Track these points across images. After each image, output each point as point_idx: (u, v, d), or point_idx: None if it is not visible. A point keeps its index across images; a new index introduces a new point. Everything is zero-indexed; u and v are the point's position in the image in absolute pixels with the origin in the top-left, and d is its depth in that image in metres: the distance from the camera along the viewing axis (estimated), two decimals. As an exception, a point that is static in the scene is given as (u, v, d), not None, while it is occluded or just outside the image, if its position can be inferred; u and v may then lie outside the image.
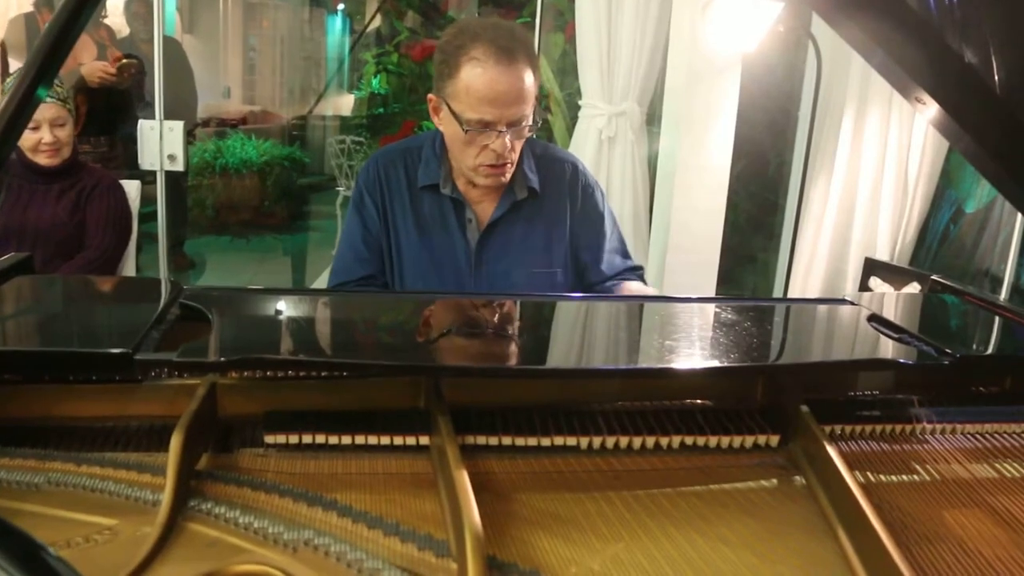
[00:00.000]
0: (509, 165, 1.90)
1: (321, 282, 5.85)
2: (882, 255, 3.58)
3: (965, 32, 0.98)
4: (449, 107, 1.84)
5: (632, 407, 1.16)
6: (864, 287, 3.33)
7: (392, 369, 1.13)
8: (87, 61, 4.20)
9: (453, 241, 1.99)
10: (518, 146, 1.89)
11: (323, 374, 1.13)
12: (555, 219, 2.04)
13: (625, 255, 2.14)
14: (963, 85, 1.03)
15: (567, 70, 3.76)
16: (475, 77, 1.78)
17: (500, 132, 1.81)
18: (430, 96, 1.93)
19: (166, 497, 0.89)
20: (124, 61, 4.16)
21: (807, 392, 1.13)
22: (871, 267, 3.40)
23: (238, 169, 6.97)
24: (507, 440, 1.06)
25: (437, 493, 0.97)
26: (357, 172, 6.35)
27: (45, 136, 3.02)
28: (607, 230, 2.09)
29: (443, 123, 1.91)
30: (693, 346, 1.24)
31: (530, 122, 1.85)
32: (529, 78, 1.82)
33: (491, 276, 2.00)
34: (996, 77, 0.99)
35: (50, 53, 0.83)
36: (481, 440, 1.06)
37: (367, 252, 2.00)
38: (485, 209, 2.01)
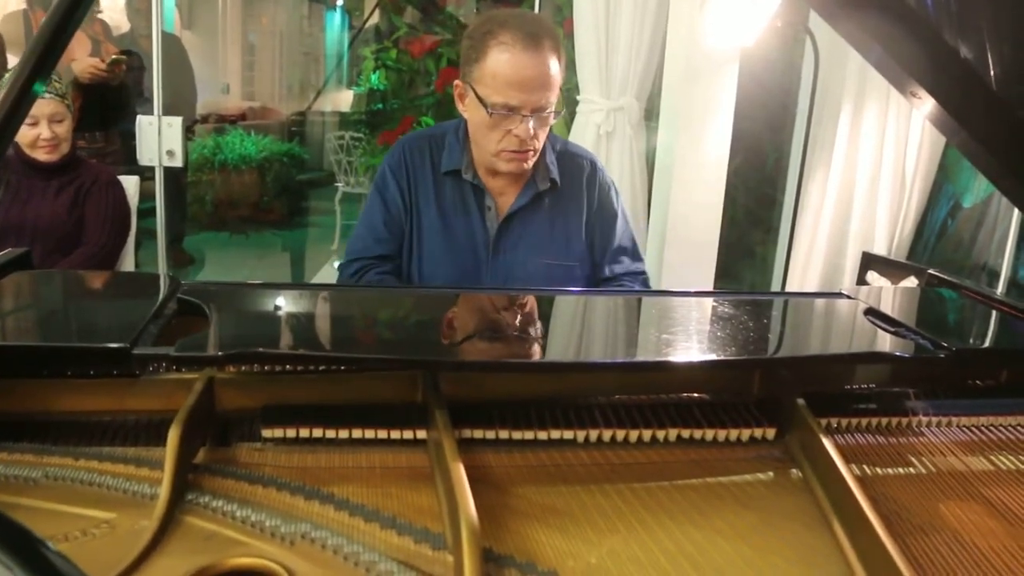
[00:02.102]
0: (532, 152, 1.91)
1: (320, 277, 5.85)
2: (879, 249, 3.57)
3: (961, 28, 0.98)
4: (475, 92, 1.86)
5: (629, 401, 1.16)
6: (861, 281, 3.33)
7: (389, 363, 1.13)
8: (80, 57, 4.19)
9: (472, 227, 2.01)
10: (541, 134, 1.91)
11: (320, 368, 1.13)
12: (573, 213, 2.06)
13: (635, 256, 2.15)
14: (959, 80, 1.03)
15: (565, 65, 3.76)
16: (502, 61, 1.81)
17: (524, 117, 1.83)
18: (456, 82, 1.95)
19: (164, 491, 0.89)
20: (115, 57, 4.14)
21: (804, 385, 1.13)
22: (868, 261, 3.40)
23: (237, 165, 6.96)
24: (504, 434, 1.07)
25: (434, 486, 0.97)
26: (356, 168, 6.38)
27: (43, 132, 3.03)
28: (617, 230, 2.11)
29: (468, 109, 1.93)
30: (690, 339, 1.24)
31: (553, 109, 1.87)
32: (555, 66, 1.84)
33: (507, 265, 2.02)
34: (992, 72, 0.99)
35: (46, 48, 0.83)
36: (478, 434, 1.06)
37: (386, 233, 2.02)
38: (506, 199, 2.03)
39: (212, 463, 1.01)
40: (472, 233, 2.01)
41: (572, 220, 2.05)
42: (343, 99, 8.63)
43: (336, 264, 6.11)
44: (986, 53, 0.97)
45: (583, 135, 3.50)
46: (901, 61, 1.04)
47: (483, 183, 2.00)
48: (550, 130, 1.97)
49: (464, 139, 2.00)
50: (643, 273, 2.15)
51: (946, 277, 1.60)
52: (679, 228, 3.50)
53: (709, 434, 1.11)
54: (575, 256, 2.06)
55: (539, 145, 1.92)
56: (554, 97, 1.86)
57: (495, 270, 2.01)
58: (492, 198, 2.01)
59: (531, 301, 1.45)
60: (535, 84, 1.81)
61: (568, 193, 2.05)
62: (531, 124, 1.84)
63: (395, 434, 1.05)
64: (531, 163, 1.94)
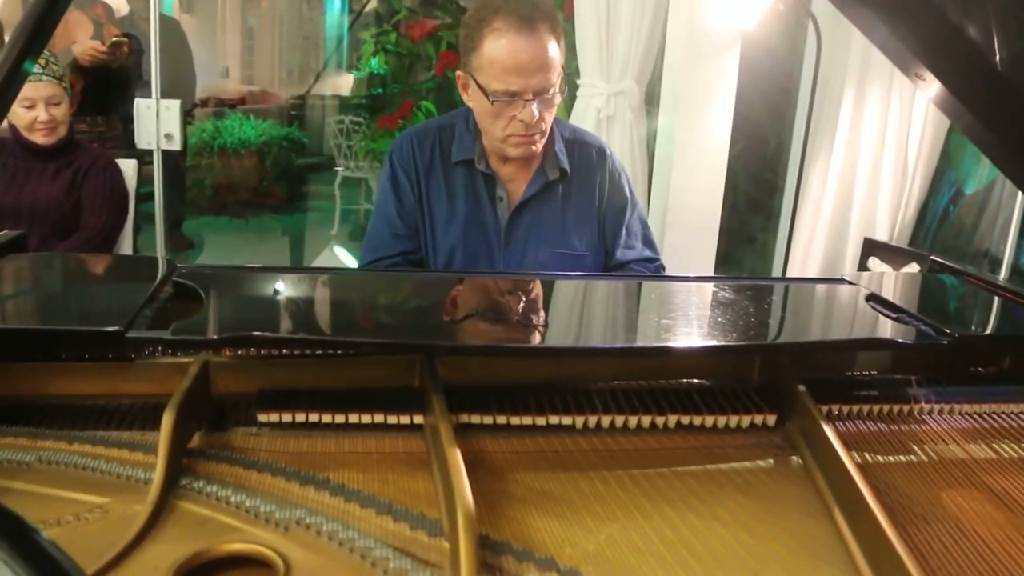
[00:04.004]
0: (539, 135, 1.89)
1: (320, 262, 5.83)
2: (881, 235, 3.56)
3: (967, 8, 0.96)
4: (476, 81, 1.85)
5: (628, 386, 1.15)
6: (863, 267, 3.32)
7: (385, 347, 1.12)
8: (82, 39, 4.16)
9: (484, 217, 2.00)
10: (548, 116, 1.89)
11: (317, 352, 1.12)
12: (585, 202, 2.04)
13: (647, 243, 2.13)
14: (964, 62, 1.02)
15: (565, 44, 3.74)
16: (498, 48, 1.79)
17: (527, 101, 1.81)
18: (458, 73, 1.94)
19: (157, 475, 0.89)
20: (115, 39, 4.12)
21: (804, 372, 1.13)
22: (870, 247, 3.38)
23: (236, 149, 6.94)
24: (502, 419, 1.06)
25: (430, 472, 0.96)
26: (356, 152, 6.35)
27: (41, 115, 3.01)
28: (627, 216, 2.09)
29: (472, 99, 1.92)
30: (690, 325, 1.23)
31: (556, 90, 1.85)
32: (553, 46, 1.82)
33: (520, 254, 2.00)
34: (998, 54, 0.98)
35: (35, 26, 0.82)
36: (475, 419, 1.06)
37: (404, 228, 2.00)
38: (517, 187, 2.01)
39: (207, 448, 1.00)
40: (484, 223, 2.00)
41: (583, 209, 2.04)
42: (343, 83, 8.59)
43: (335, 248, 6.11)
44: (992, 34, 0.96)
45: (583, 119, 3.49)
46: (906, 42, 1.02)
47: (495, 172, 1.99)
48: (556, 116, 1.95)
49: (475, 128, 1.98)
50: (656, 260, 2.12)
51: (948, 263, 1.59)
52: (679, 213, 3.49)
53: (709, 420, 1.10)
54: (586, 245, 2.04)
55: (546, 127, 1.90)
56: (555, 78, 1.84)
57: (507, 260, 2.00)
58: (504, 188, 1.99)
59: (530, 285, 1.44)
60: (533, 67, 1.79)
61: (579, 181, 2.03)
62: (535, 107, 1.82)
63: (392, 419, 1.05)
64: (540, 145, 1.92)
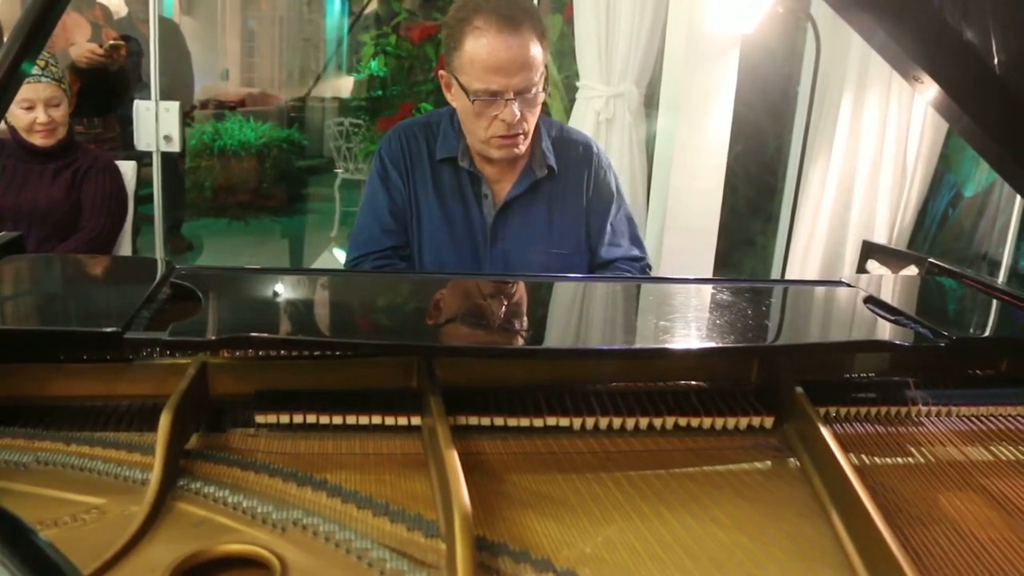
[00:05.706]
0: (522, 136, 1.88)
1: (319, 264, 5.83)
2: (880, 238, 3.57)
3: (965, 12, 0.96)
4: (457, 80, 1.84)
5: (626, 388, 1.15)
6: (862, 270, 3.32)
7: (383, 349, 1.12)
8: (79, 42, 4.16)
9: (470, 215, 1.99)
10: (530, 116, 1.87)
11: (315, 354, 1.12)
12: (572, 201, 2.03)
13: (634, 241, 2.11)
14: (962, 65, 1.02)
15: (565, 52, 3.75)
16: (479, 47, 1.78)
17: (508, 101, 1.80)
18: (441, 72, 1.93)
19: (154, 476, 0.89)
20: (112, 42, 4.11)
21: (802, 373, 1.13)
22: (869, 250, 3.38)
23: (236, 151, 6.93)
24: (499, 421, 1.06)
25: (427, 473, 0.96)
26: (355, 154, 6.35)
27: (40, 116, 3.01)
28: (612, 213, 2.07)
29: (455, 98, 1.91)
30: (688, 327, 1.23)
31: (539, 90, 1.84)
32: (535, 46, 1.81)
33: (506, 253, 2.00)
34: (996, 58, 0.98)
35: (33, 27, 0.82)
36: (473, 420, 1.06)
37: (393, 223, 1.99)
38: (503, 186, 2.00)
39: (204, 449, 1.00)
40: (470, 221, 1.99)
41: (571, 208, 2.03)
42: (343, 85, 8.59)
43: (335, 250, 6.11)
44: (990, 37, 0.96)
45: (583, 122, 3.49)
46: (904, 45, 1.02)
47: (479, 170, 1.98)
48: (548, 115, 1.94)
49: (459, 126, 1.97)
50: (642, 259, 2.10)
51: (946, 266, 1.59)
52: (678, 216, 3.49)
53: (707, 422, 1.10)
54: (574, 245, 2.03)
55: (528, 128, 1.88)
56: (537, 77, 1.82)
57: (493, 258, 1.99)
58: (489, 186, 1.99)
59: (528, 287, 1.44)
60: (514, 66, 1.78)
61: (566, 180, 2.02)
62: (516, 107, 1.81)
63: (389, 420, 1.05)
64: (523, 147, 1.91)
